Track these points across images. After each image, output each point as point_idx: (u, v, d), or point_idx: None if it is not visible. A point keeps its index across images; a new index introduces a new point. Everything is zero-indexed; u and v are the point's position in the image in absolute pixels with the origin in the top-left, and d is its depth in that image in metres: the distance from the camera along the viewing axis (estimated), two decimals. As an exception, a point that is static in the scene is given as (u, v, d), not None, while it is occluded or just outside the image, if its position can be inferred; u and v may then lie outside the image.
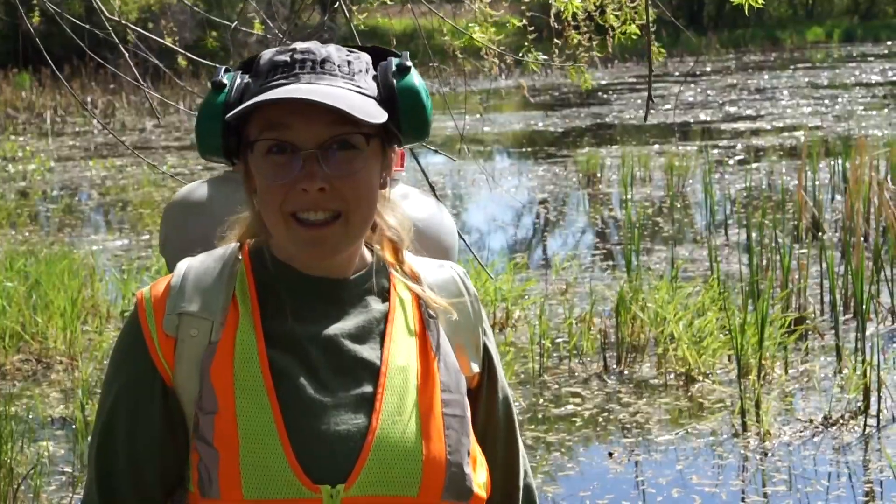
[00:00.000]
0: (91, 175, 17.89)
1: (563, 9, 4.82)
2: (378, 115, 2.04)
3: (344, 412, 2.04)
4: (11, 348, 8.40)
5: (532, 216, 14.17)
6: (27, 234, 13.49)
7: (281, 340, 2.06)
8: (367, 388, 2.06)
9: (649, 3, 3.47)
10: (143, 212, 14.71)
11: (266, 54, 2.12)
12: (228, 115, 2.04)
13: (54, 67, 5.31)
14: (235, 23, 5.20)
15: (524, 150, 19.58)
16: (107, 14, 4.65)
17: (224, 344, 2.05)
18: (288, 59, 2.07)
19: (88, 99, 27.02)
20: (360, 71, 2.10)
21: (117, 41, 4.88)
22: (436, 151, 4.81)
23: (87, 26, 5.45)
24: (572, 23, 5.07)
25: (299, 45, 2.10)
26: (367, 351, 2.09)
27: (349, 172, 2.04)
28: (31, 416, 7.10)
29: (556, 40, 5.16)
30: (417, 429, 2.05)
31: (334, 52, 2.10)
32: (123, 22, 4.95)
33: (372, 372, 2.07)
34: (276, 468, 2.00)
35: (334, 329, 2.08)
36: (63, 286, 9.00)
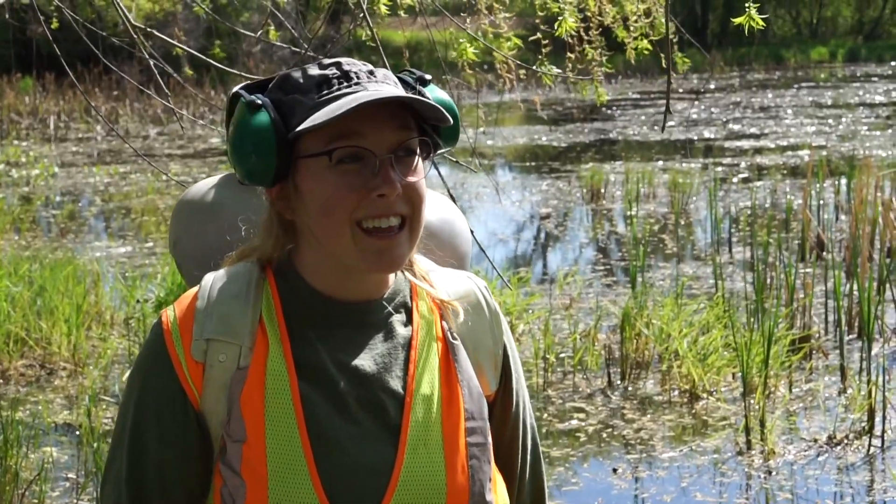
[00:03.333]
0: (94, 181, 17.88)
1: (556, 27, 4.82)
2: (446, 119, 2.06)
3: (371, 444, 2.03)
4: (16, 353, 8.40)
5: (536, 230, 14.17)
6: (30, 239, 13.48)
7: (309, 370, 2.05)
8: (393, 420, 2.05)
9: (668, 14, 3.47)
10: (146, 219, 14.71)
11: (298, 72, 2.08)
12: (301, 127, 1.99)
13: (70, 73, 5.31)
14: (260, 32, 5.19)
15: (527, 164, 19.58)
16: (132, 21, 4.65)
17: (254, 372, 2.03)
18: (338, 71, 2.06)
19: (92, 105, 27.05)
20: (396, 82, 2.12)
21: (138, 44, 4.88)
22: (456, 162, 4.81)
23: (104, 33, 5.45)
24: (586, 37, 5.08)
25: (342, 60, 2.09)
26: (393, 380, 2.07)
27: (416, 177, 2.05)
28: (35, 422, 7.09)
29: (569, 54, 5.16)
30: (442, 460, 2.05)
31: (370, 65, 2.11)
32: (148, 29, 4.94)
33: (397, 402, 2.06)
34: (304, 502, 1.99)
35: (360, 358, 2.07)
36: (67, 292, 9.00)
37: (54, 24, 6.21)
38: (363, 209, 2.01)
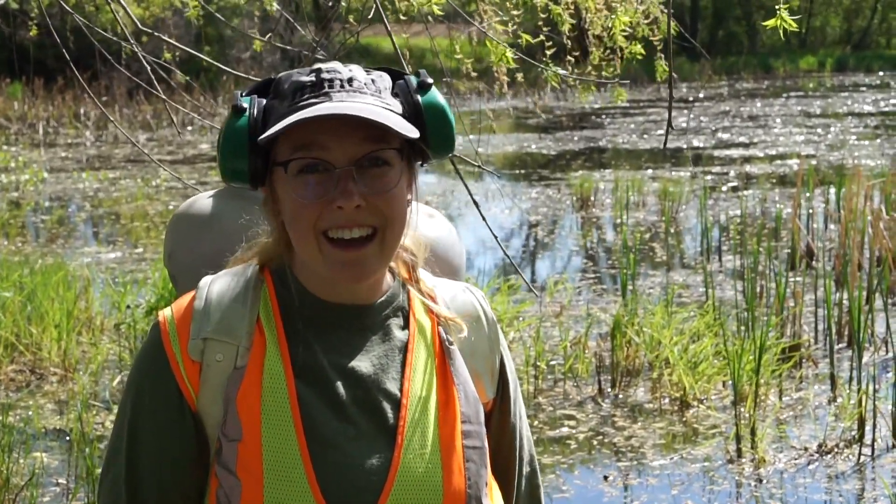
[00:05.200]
0: (84, 187, 17.85)
1: (560, 27, 4.84)
2: (412, 130, 2.03)
3: (367, 445, 2.03)
4: (6, 358, 8.38)
5: (525, 238, 14.18)
6: (19, 244, 13.46)
7: (306, 370, 2.05)
8: (390, 421, 2.06)
9: (670, 34, 3.48)
10: (135, 224, 14.69)
11: (286, 76, 2.10)
12: (261, 136, 2.02)
13: (79, 77, 5.30)
14: (269, 36, 5.19)
15: (517, 171, 19.59)
16: (139, 25, 4.66)
17: (251, 371, 2.04)
18: (314, 78, 2.06)
19: (81, 111, 27.01)
20: (385, 89, 2.10)
21: (126, 49, 4.88)
22: (477, 165, 4.79)
23: (113, 36, 5.45)
24: (592, 41, 5.08)
25: (323, 66, 2.09)
26: (389, 382, 2.08)
27: (384, 188, 2.03)
28: (25, 427, 7.08)
29: (569, 56, 5.16)
30: (438, 462, 2.05)
31: (357, 70, 2.09)
32: (155, 33, 4.94)
33: (394, 403, 2.07)
34: (300, 502, 1.99)
35: (357, 360, 2.08)
36: (58, 297, 8.99)
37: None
38: (325, 220, 2.02)
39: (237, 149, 2.06)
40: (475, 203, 4.54)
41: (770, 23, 2.89)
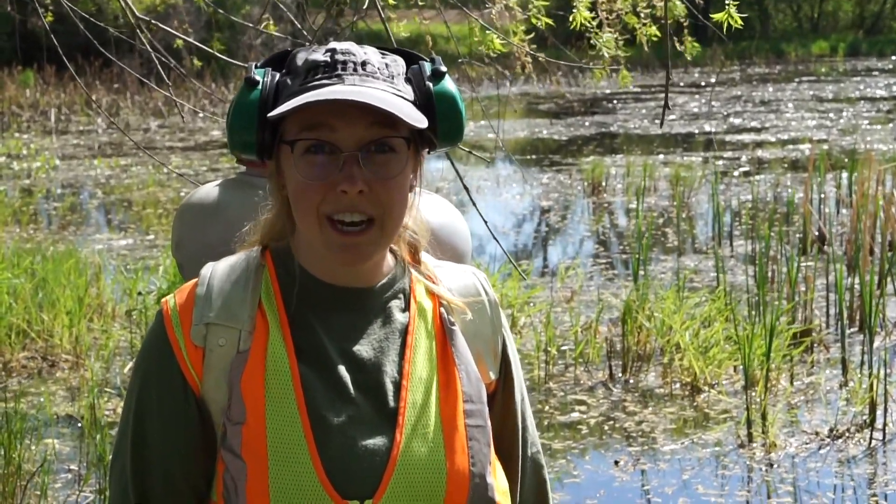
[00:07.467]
0: (96, 174, 17.88)
1: (571, 20, 4.82)
2: (420, 119, 2.03)
3: (369, 427, 2.04)
4: (17, 345, 8.40)
5: (537, 223, 14.17)
6: (31, 231, 13.48)
7: (309, 353, 2.06)
8: (390, 403, 2.06)
9: (667, 14, 3.47)
10: (147, 211, 14.71)
11: (301, 52, 2.10)
12: (271, 113, 2.02)
13: (70, 67, 5.29)
14: (263, 24, 5.19)
15: (528, 157, 19.57)
16: (136, 12, 4.65)
17: (254, 355, 2.04)
18: (329, 58, 2.06)
19: (93, 98, 27.03)
20: (398, 74, 2.09)
21: (138, 37, 4.88)
22: (469, 152, 4.79)
23: (105, 25, 5.45)
24: (605, 21, 5.06)
25: (339, 46, 2.08)
26: (390, 364, 2.08)
27: (388, 175, 2.03)
28: (37, 414, 7.10)
29: (587, 35, 5.13)
30: (441, 441, 2.06)
31: (373, 53, 2.09)
32: (152, 22, 4.94)
33: (394, 386, 2.07)
34: (305, 483, 2.00)
35: (358, 342, 2.08)
36: (69, 284, 9.00)
37: (48, 18, 6.20)
38: (328, 203, 2.02)
39: (247, 122, 2.06)
40: (466, 189, 4.54)
41: (719, 16, 2.89)
